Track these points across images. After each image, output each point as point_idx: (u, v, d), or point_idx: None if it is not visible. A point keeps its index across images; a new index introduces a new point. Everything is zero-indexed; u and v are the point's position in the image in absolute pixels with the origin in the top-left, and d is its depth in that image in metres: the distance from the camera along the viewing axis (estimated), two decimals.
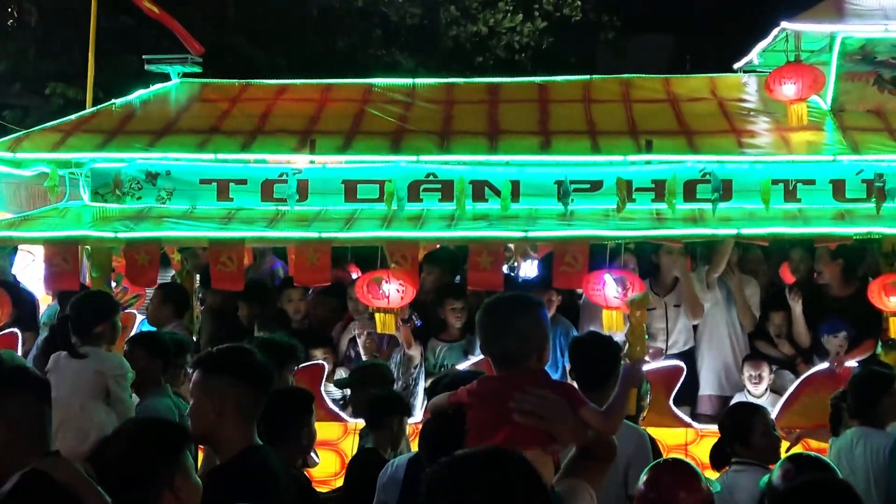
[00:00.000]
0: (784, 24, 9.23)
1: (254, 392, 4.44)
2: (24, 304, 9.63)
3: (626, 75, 10.53)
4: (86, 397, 6.99)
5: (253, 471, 4.35)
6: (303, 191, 9.25)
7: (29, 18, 21.12)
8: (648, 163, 9.03)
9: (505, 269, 10.31)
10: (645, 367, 7.71)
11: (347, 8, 22.63)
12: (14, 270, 10.35)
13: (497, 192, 9.11)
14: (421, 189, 9.23)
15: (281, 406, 5.13)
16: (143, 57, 10.49)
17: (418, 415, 8.56)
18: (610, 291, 8.79)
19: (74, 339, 7.23)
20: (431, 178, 9.24)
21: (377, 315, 8.92)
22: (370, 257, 9.22)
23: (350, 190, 9.29)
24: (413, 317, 9.42)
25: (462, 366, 8.90)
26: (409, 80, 10.43)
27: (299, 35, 21.78)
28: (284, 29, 21.69)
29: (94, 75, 13.48)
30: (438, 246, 10.21)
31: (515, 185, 9.13)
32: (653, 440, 6.19)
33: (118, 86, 12.00)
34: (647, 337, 8.92)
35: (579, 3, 24.19)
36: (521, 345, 3.80)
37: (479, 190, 9.17)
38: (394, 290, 8.81)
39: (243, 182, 9.32)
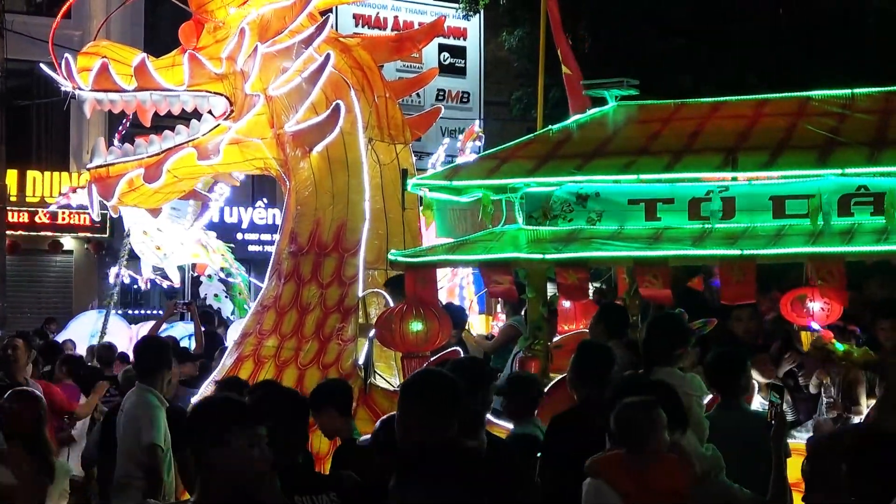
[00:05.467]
0: None
1: None
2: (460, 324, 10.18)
3: None
4: None
5: None
6: (729, 208, 9.15)
7: (582, 45, 21.96)
8: None
9: None
10: None
11: None
12: None
13: None
14: (852, 202, 8.85)
15: None
16: (581, 83, 10.75)
17: None
18: None
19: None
20: (862, 190, 8.84)
21: (802, 333, 8.70)
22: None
23: (778, 206, 9.04)
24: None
25: None
26: (847, 91, 10.00)
27: (856, 42, 20.77)
28: (841, 37, 20.84)
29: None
30: None
31: None
32: None
33: None
34: None
35: None
36: None
37: None
38: (818, 308, 8.54)
39: (670, 201, 9.29)
